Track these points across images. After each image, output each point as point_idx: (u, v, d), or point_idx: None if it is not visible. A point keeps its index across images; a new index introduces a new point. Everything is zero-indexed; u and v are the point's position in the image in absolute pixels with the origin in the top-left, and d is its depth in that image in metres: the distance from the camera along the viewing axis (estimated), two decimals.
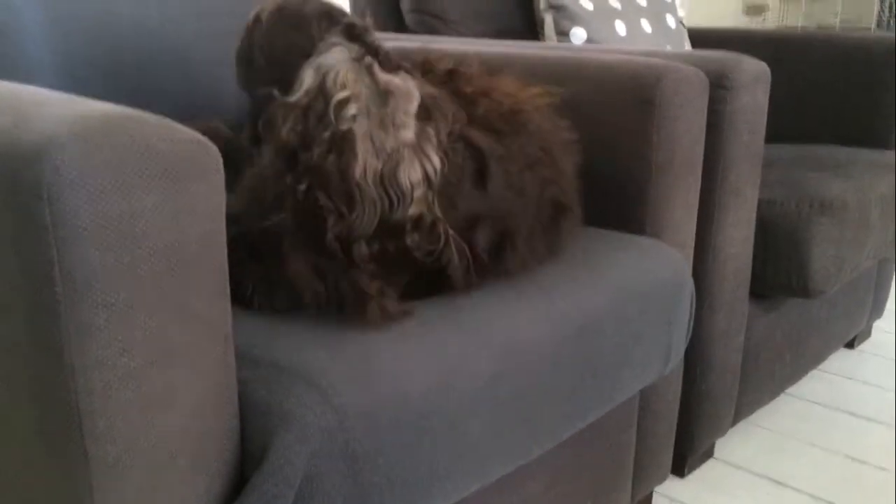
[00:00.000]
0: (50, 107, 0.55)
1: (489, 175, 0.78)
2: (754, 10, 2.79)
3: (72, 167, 0.49)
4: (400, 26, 1.70)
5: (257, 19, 0.84)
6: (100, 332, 0.52)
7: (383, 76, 0.72)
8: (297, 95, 0.72)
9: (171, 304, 0.55)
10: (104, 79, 1.08)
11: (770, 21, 2.82)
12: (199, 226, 0.56)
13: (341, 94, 0.69)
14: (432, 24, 1.64)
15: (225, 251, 0.59)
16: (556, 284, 0.85)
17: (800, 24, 2.70)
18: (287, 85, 0.74)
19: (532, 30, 1.68)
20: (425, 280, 0.77)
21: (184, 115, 0.86)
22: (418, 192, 0.70)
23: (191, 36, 1.15)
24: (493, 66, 0.96)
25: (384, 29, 1.69)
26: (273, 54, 0.80)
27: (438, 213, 0.73)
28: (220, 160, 0.57)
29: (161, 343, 0.55)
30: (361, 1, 1.76)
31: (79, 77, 1.06)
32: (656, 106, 0.99)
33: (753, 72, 1.11)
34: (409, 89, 0.72)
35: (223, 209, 0.58)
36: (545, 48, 1.23)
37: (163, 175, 0.53)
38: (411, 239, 0.72)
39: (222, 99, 1.17)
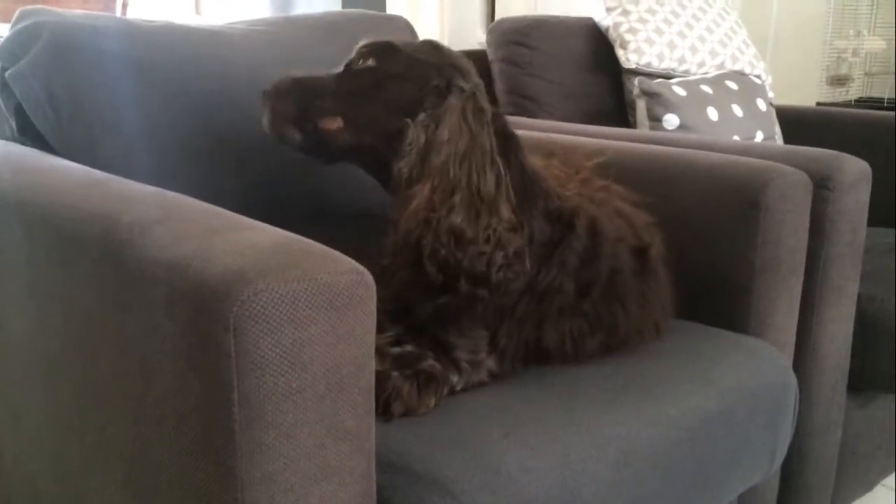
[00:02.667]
0: (228, 236, 0.61)
1: None
2: (838, 82, 2.77)
3: (256, 302, 0.54)
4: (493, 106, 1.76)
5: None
6: (268, 449, 0.56)
7: None
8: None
9: (328, 422, 0.59)
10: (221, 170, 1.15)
11: (853, 93, 2.80)
12: (354, 349, 0.60)
13: None
14: (525, 105, 1.70)
15: (373, 371, 0.63)
16: (666, 384, 0.87)
17: (885, 97, 2.68)
18: None
19: (621, 112, 1.72)
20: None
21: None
22: None
23: None
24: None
25: None
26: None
27: None
28: (374, 287, 0.61)
29: (318, 459, 0.59)
30: None
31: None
32: (762, 210, 1.01)
33: (856, 172, 1.12)
34: None
35: (374, 332, 0.62)
36: (650, 140, 1.26)
37: (328, 305, 0.58)
38: None
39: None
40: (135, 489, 0.69)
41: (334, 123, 0.85)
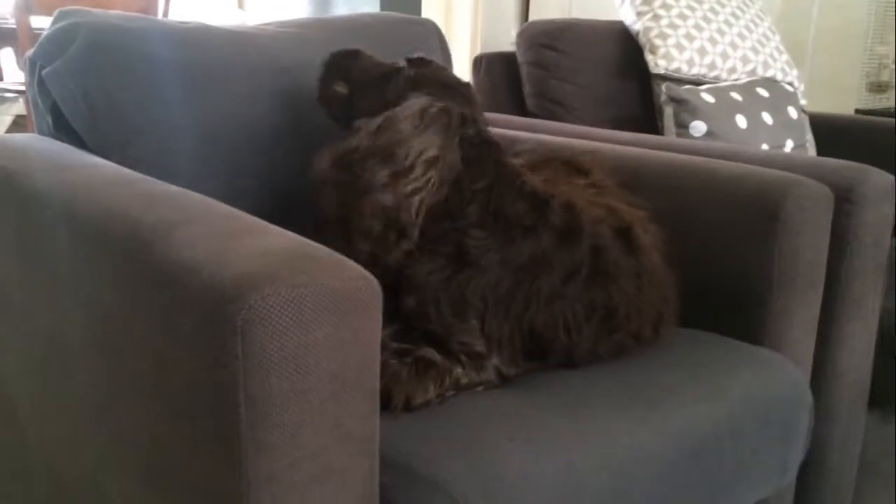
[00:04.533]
0: (244, 240, 0.64)
1: None
2: (878, 88, 2.73)
3: (263, 306, 0.56)
4: (521, 109, 1.77)
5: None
6: (273, 449, 0.59)
7: None
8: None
9: (332, 424, 0.61)
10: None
11: (893, 99, 2.75)
12: (359, 353, 0.62)
13: None
14: (552, 109, 1.70)
15: (378, 375, 0.65)
16: (675, 394, 0.87)
17: None
18: None
19: (650, 118, 1.72)
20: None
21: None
22: None
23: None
24: (622, 167, 1.01)
25: (505, 111, 1.76)
26: None
27: None
28: (381, 294, 0.63)
29: (322, 460, 0.61)
30: (484, 82, 1.84)
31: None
32: (780, 221, 1.01)
33: (880, 186, 1.11)
34: None
35: (379, 337, 0.64)
36: (671, 147, 1.26)
37: (333, 310, 0.60)
38: None
39: None
40: (153, 482, 0.72)
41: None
